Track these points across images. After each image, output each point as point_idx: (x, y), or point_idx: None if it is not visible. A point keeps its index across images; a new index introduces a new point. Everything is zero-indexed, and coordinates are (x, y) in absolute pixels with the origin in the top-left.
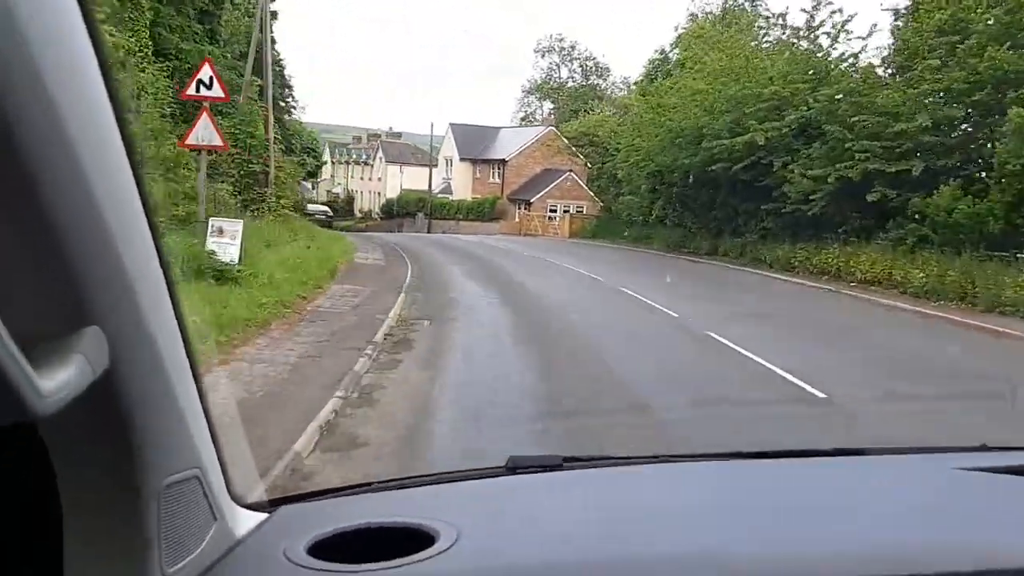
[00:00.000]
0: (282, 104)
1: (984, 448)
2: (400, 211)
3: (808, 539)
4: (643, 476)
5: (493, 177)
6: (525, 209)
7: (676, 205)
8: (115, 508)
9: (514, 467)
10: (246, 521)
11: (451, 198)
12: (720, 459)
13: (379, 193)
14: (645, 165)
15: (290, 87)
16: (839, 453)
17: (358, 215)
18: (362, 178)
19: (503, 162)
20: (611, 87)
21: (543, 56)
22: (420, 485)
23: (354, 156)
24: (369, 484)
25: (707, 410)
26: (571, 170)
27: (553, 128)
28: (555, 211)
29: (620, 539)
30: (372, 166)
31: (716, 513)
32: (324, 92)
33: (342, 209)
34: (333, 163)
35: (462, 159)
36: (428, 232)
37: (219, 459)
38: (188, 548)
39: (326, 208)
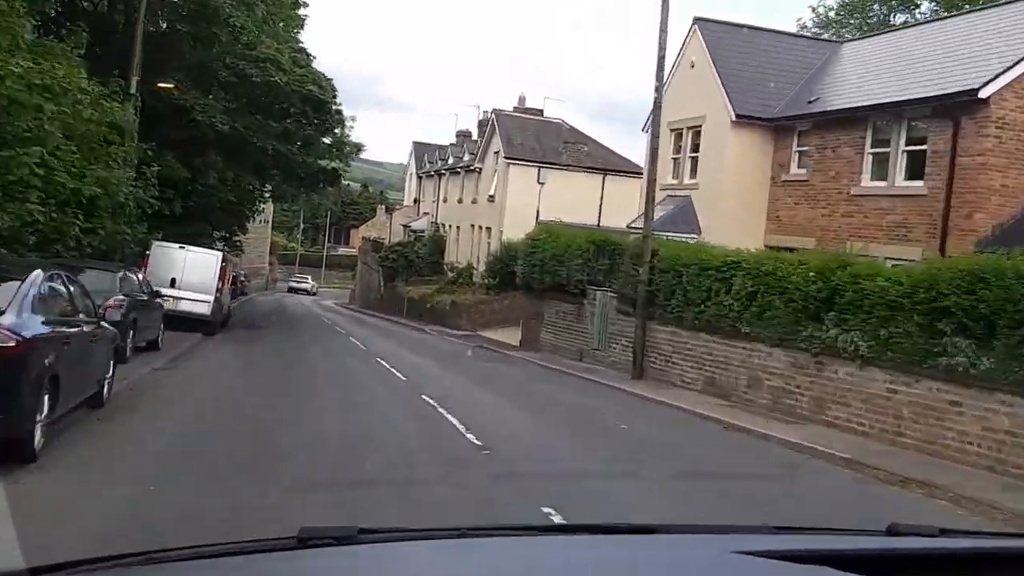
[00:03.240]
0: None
1: (767, 529)
2: (536, 277)
3: None
4: (442, 550)
5: (899, 171)
6: None
7: None
8: None
9: (306, 538)
10: None
11: (711, 244)
12: (518, 534)
13: (488, 229)
14: None
15: None
16: (633, 531)
17: (449, 273)
18: (460, 200)
19: (977, 105)
20: None
21: None
22: (196, 557)
23: (450, 160)
24: (144, 553)
25: None
26: None
27: None
28: None
29: None
30: (477, 173)
31: None
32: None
33: (419, 262)
34: (420, 178)
35: (739, 118)
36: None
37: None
38: None
39: None
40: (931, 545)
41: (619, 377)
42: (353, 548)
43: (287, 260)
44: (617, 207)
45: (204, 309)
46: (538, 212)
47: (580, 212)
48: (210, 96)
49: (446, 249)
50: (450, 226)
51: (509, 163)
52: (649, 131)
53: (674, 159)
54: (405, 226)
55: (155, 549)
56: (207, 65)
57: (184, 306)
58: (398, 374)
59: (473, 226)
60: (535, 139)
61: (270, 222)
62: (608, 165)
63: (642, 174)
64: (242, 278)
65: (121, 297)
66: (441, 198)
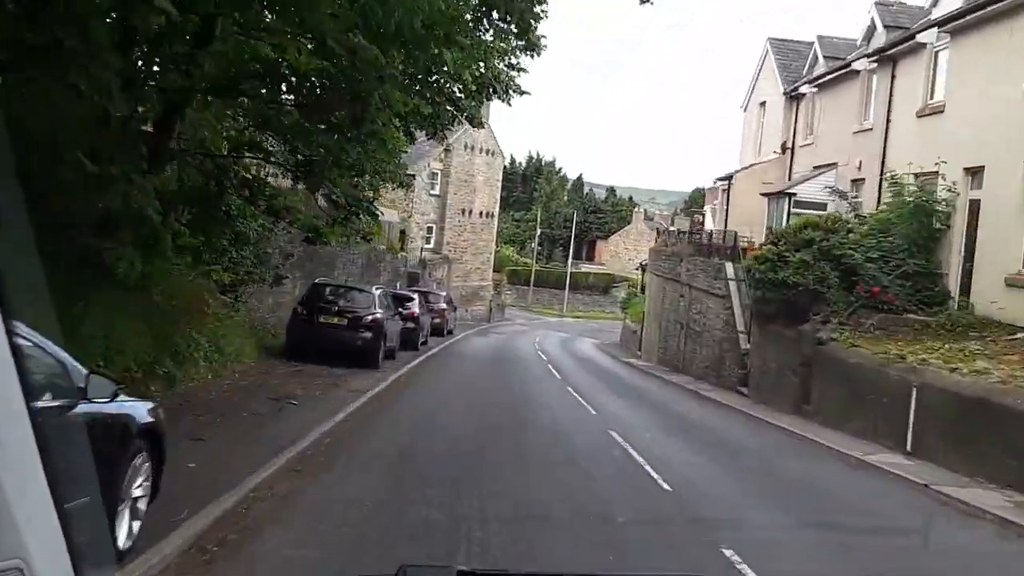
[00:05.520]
0: None
1: None
2: None
3: None
4: None
5: None
6: None
7: None
8: None
9: None
10: None
11: None
12: None
13: None
14: None
15: None
16: None
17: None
18: None
19: None
20: None
21: None
22: None
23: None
24: None
25: None
26: None
27: None
28: None
29: None
30: None
31: None
32: None
33: (879, 275)
34: (793, 100)
35: None
36: None
37: (68, 548)
38: None
39: None
40: None
41: None
42: None
43: (518, 279)
44: None
45: None
46: None
47: None
48: None
49: (948, 240)
50: (974, 175)
51: None
52: None
53: None
54: (771, 195)
55: None
56: None
57: None
58: None
59: None
60: None
61: (496, 218)
62: None
63: None
64: (442, 304)
65: None
66: (913, 112)
